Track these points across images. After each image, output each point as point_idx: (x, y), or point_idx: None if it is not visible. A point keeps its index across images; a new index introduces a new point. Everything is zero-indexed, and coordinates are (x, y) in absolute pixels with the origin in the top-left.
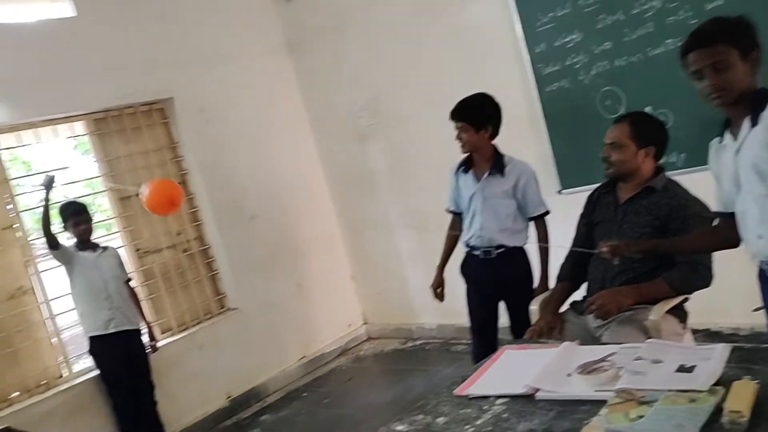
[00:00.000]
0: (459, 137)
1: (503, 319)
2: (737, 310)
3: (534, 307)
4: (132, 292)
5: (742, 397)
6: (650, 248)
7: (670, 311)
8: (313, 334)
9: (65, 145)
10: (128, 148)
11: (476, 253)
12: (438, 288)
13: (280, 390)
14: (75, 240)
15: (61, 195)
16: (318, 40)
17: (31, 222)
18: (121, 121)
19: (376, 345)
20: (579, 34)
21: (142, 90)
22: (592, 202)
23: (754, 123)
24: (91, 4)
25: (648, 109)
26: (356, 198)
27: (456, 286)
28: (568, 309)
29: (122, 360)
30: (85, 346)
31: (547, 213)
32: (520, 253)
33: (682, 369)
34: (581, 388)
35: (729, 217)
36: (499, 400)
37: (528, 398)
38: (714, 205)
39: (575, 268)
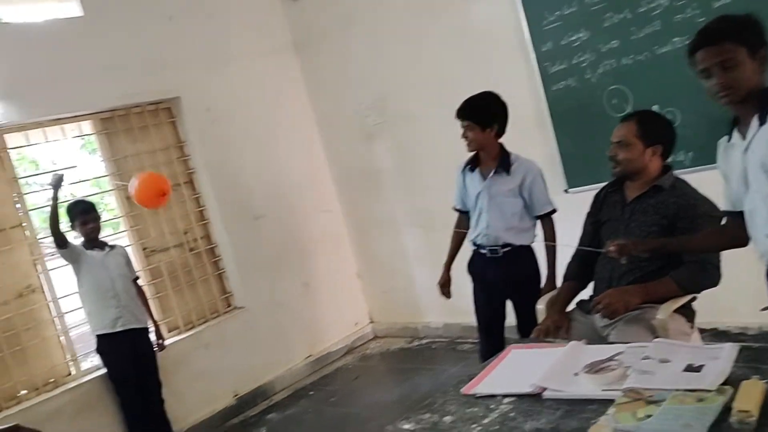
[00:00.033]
0: (465, 136)
1: (510, 317)
2: (745, 309)
3: (541, 306)
4: (139, 291)
5: (750, 396)
6: (658, 247)
7: (677, 310)
8: (320, 332)
9: (72, 144)
10: (135, 148)
11: (483, 251)
12: (445, 285)
13: (287, 388)
14: (83, 239)
15: (68, 194)
16: (325, 40)
17: (39, 221)
18: (128, 120)
19: (382, 344)
20: (586, 32)
21: (149, 89)
22: (599, 201)
23: (763, 121)
24: (98, 4)
25: (655, 108)
26: (363, 197)
27: (462, 284)
28: (574, 308)
29: (130, 358)
30: (93, 344)
31: (554, 211)
32: (527, 251)
33: (690, 368)
34: (588, 387)
35: (737, 216)
36: (506, 399)
37: (535, 397)
38: (722, 204)
39: (582, 268)
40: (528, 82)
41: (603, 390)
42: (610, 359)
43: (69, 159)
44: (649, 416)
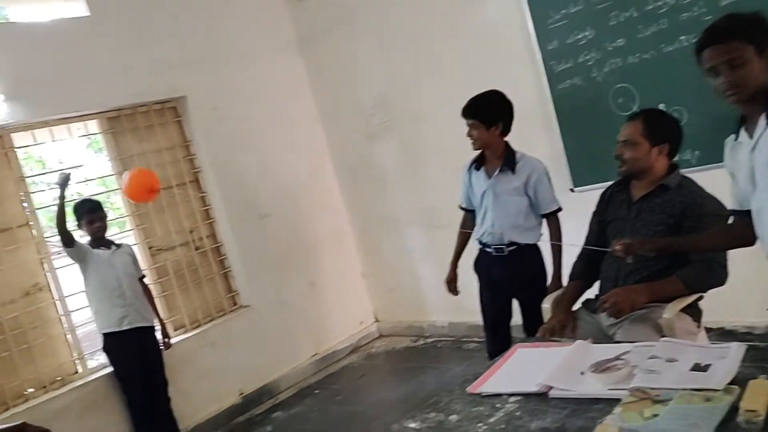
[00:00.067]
0: (470, 134)
1: (516, 316)
2: (752, 308)
3: (546, 305)
4: (146, 290)
5: (757, 396)
6: (664, 246)
7: (684, 310)
8: (325, 331)
9: (79, 143)
10: (141, 147)
11: (489, 250)
12: (451, 282)
13: (293, 387)
14: (89, 238)
15: (75, 193)
16: (329, 38)
17: (46, 220)
18: (134, 119)
19: (387, 342)
20: (591, 31)
21: (155, 89)
22: (605, 200)
23: None
24: (104, 4)
25: (661, 107)
26: (367, 196)
27: (468, 283)
28: (580, 307)
29: (136, 357)
30: (100, 342)
31: (559, 210)
32: (532, 250)
33: (696, 368)
34: (595, 386)
35: (744, 215)
36: (512, 398)
37: (541, 396)
38: (729, 203)
39: (588, 267)
40: (534, 81)
41: (609, 389)
42: (616, 358)
43: (75, 158)
44: (655, 416)
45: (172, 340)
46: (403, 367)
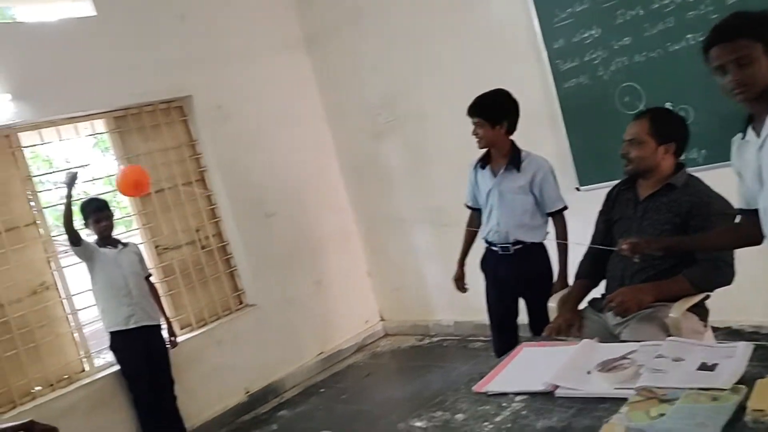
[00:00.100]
0: (475, 132)
1: (523, 315)
2: (759, 308)
3: (552, 304)
4: (152, 288)
5: (765, 395)
6: (671, 245)
7: (690, 309)
8: (331, 330)
9: (86, 142)
10: (147, 146)
11: (494, 248)
12: (459, 280)
13: (298, 385)
14: (96, 236)
15: (82, 192)
16: (335, 37)
17: (53, 219)
18: (140, 118)
19: (393, 341)
20: (598, 29)
21: (161, 88)
22: (611, 199)
23: None
24: (110, 4)
25: (668, 105)
26: (373, 195)
27: (474, 282)
28: (586, 306)
29: (142, 355)
30: (106, 341)
31: (565, 208)
32: (538, 248)
33: (703, 367)
34: (601, 385)
35: (752, 214)
36: (518, 397)
37: (547, 395)
38: (736, 202)
39: (594, 266)
40: (539, 80)
41: (616, 388)
42: (622, 358)
43: (82, 157)
44: (662, 415)
45: (179, 339)
46: (409, 366)
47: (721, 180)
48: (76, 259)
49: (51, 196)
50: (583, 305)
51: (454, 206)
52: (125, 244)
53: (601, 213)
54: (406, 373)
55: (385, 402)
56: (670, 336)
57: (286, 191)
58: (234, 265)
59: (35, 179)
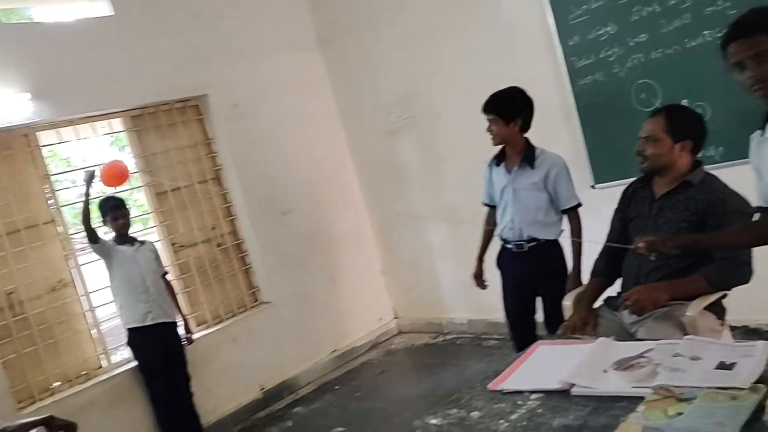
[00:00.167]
0: (490, 129)
1: (539, 312)
2: None
3: (567, 302)
4: (168, 286)
5: None
6: (688, 243)
7: (707, 307)
8: (345, 327)
9: (103, 141)
10: (164, 144)
11: (509, 246)
12: (478, 277)
13: (313, 383)
14: (113, 234)
15: (99, 190)
16: (349, 36)
17: (71, 217)
18: (157, 117)
19: (406, 339)
20: (613, 26)
21: (177, 87)
22: (627, 197)
23: None
24: (127, 4)
25: (685, 102)
26: (387, 193)
27: (489, 280)
28: (602, 305)
29: (159, 352)
30: (123, 337)
31: (579, 205)
32: (553, 246)
33: (722, 366)
34: (618, 384)
35: None
36: (534, 395)
37: (563, 393)
38: (754, 200)
39: (610, 264)
40: (554, 77)
41: (633, 387)
42: (639, 356)
43: (99, 156)
44: (680, 414)
45: (195, 336)
46: (423, 364)
47: (739, 178)
48: (94, 256)
49: (69, 195)
50: (598, 303)
51: (467, 204)
52: (142, 242)
53: (617, 211)
54: (420, 370)
55: (399, 399)
56: (686, 335)
57: (300, 189)
58: (249, 262)
59: (53, 178)
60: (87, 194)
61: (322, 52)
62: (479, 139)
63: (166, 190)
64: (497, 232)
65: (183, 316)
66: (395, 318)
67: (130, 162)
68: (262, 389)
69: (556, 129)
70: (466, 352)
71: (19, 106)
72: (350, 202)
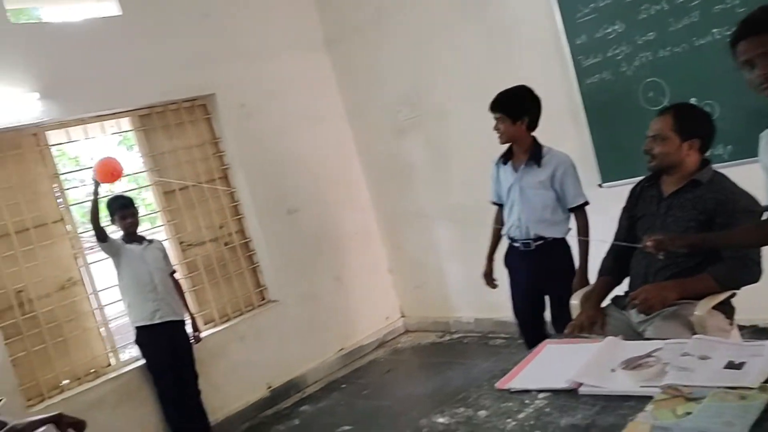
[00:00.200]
0: (497, 128)
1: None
2: None
3: (575, 301)
4: (176, 284)
5: None
6: (696, 242)
7: (716, 307)
8: (352, 326)
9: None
10: (172, 144)
11: (516, 244)
12: (488, 276)
13: (320, 381)
14: (122, 233)
15: (108, 189)
16: (356, 36)
17: (80, 215)
18: (165, 117)
19: (413, 338)
20: (621, 24)
21: (185, 86)
22: (634, 196)
23: None
24: (135, 3)
25: (693, 101)
26: (394, 192)
27: (497, 279)
28: (609, 304)
29: (167, 350)
30: (132, 336)
31: (586, 204)
32: (560, 244)
33: (731, 365)
34: (626, 383)
35: None
36: (541, 395)
37: (571, 393)
38: (763, 199)
39: (617, 263)
40: (562, 76)
41: (641, 386)
42: (648, 355)
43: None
44: (688, 413)
45: (202, 334)
46: (430, 363)
47: (748, 176)
48: (103, 255)
49: (78, 194)
50: (606, 302)
51: (474, 203)
52: (150, 241)
53: (625, 210)
54: (427, 369)
55: (406, 398)
56: (695, 334)
57: (307, 188)
58: (256, 261)
59: (62, 177)
60: (95, 193)
61: (329, 52)
62: (486, 138)
63: (173, 189)
64: (504, 230)
65: (191, 314)
66: (402, 317)
67: (138, 161)
68: (270, 387)
69: (564, 128)
70: (473, 351)
71: (28, 105)
72: (357, 201)
